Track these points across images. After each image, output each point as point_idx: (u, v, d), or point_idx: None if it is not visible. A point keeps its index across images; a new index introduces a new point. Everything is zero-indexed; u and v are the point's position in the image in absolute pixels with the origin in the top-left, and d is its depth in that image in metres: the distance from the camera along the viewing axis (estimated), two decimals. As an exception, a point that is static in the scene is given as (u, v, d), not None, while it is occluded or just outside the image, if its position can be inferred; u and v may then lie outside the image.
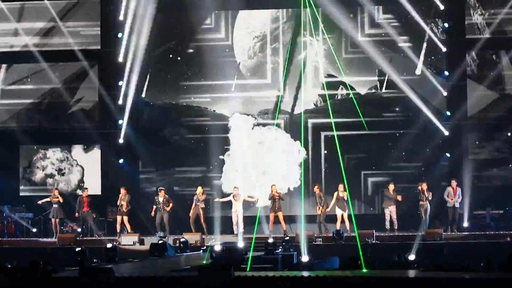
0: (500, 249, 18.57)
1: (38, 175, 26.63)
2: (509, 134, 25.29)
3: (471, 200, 23.66)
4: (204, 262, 17.05)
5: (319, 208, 23.21)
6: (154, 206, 23.38)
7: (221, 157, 26.09)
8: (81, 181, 24.64)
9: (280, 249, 18.71)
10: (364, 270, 14.69)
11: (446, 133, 25.19)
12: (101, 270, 13.64)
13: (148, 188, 26.16)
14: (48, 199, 23.88)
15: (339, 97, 26.09)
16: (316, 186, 23.62)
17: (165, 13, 26.37)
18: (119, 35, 26.12)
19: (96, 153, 26.55)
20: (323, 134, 26.11)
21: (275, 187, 23.49)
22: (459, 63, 25.35)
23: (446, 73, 25.52)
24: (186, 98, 26.58)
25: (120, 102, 26.10)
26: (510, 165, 25.38)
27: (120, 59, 26.09)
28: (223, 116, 26.32)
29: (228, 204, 23.96)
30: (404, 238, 21.32)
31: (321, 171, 25.99)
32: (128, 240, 22.17)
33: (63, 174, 26.51)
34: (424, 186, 22.85)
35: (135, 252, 20.91)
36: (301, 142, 25.82)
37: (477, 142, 25.39)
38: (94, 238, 23.22)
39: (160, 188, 23.86)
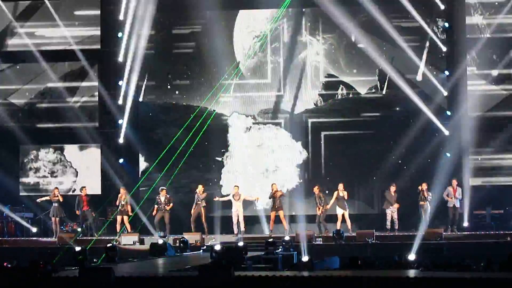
0: (500, 249, 18.57)
1: (31, 177, 26.61)
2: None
3: (471, 200, 23.66)
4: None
5: (319, 208, 23.21)
6: (156, 206, 23.39)
7: (218, 158, 26.08)
8: (75, 182, 24.50)
9: (280, 249, 18.71)
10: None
11: (447, 132, 25.19)
12: (101, 270, 13.63)
13: (148, 188, 26.13)
14: (47, 198, 23.90)
15: (339, 96, 26.08)
16: (315, 187, 23.60)
17: (165, 13, 26.37)
18: (119, 34, 26.12)
19: (92, 152, 26.51)
20: (323, 133, 26.11)
21: (275, 186, 23.52)
22: (459, 63, 25.34)
23: (447, 72, 25.52)
24: (186, 98, 26.56)
25: (120, 101, 26.10)
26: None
27: (120, 59, 26.10)
28: (223, 116, 26.31)
29: (228, 204, 23.97)
30: (404, 238, 21.32)
31: (321, 171, 25.98)
32: (128, 240, 22.17)
33: (55, 177, 26.49)
34: (424, 186, 22.87)
35: (135, 252, 20.90)
36: (302, 142, 25.84)
37: (477, 142, 25.36)
38: (94, 237, 23.23)
39: (162, 187, 23.88)
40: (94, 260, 17.69)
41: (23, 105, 26.84)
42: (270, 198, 23.41)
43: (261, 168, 25.96)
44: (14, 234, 24.68)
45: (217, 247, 17.34)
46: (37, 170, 26.66)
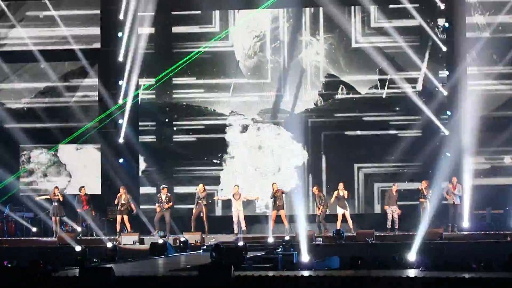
0: (500, 249, 18.55)
1: (24, 178, 26.61)
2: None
3: (471, 200, 23.64)
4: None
5: (318, 208, 23.20)
6: (157, 204, 23.40)
7: (215, 161, 26.07)
8: (69, 182, 24.42)
9: (280, 249, 18.70)
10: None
11: (447, 132, 25.18)
12: (101, 269, 13.64)
13: (147, 188, 26.12)
14: (47, 196, 23.92)
15: (339, 96, 26.07)
16: (315, 187, 23.57)
17: (165, 13, 26.36)
18: (119, 34, 26.12)
19: (89, 151, 26.50)
20: (323, 133, 26.10)
21: (276, 185, 23.54)
22: (459, 63, 25.33)
23: (447, 72, 25.51)
24: (186, 98, 26.56)
25: (120, 101, 26.09)
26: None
27: (120, 59, 26.09)
28: (223, 116, 26.31)
29: (229, 204, 23.98)
30: (404, 238, 21.31)
31: (321, 171, 25.97)
32: (128, 240, 22.17)
33: (46, 176, 26.47)
34: (424, 184, 22.85)
35: (135, 252, 20.90)
36: (302, 142, 25.83)
37: (477, 142, 25.35)
38: (94, 237, 23.24)
39: (163, 186, 23.88)
40: (94, 260, 17.68)
41: (23, 104, 26.83)
42: (271, 198, 23.41)
43: (261, 168, 25.96)
44: (14, 234, 24.67)
45: (214, 244, 17.34)
46: (31, 172, 26.65)
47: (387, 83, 25.75)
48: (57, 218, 23.50)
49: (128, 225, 23.40)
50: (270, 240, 20.09)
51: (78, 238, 22.42)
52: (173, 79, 26.51)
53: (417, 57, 25.41)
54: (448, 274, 12.98)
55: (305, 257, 16.63)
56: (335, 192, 23.16)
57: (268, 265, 16.37)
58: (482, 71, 25.49)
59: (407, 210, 23.53)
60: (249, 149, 26.12)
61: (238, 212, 23.35)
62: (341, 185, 23.13)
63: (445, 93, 25.40)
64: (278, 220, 23.39)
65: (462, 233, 22.53)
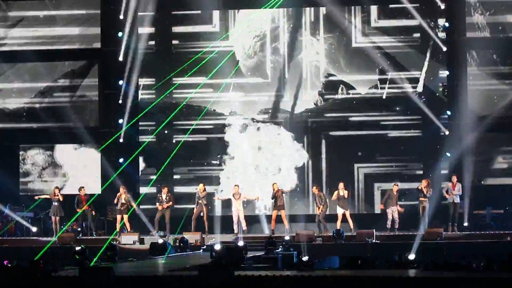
0: (500, 249, 18.55)
1: (22, 178, 26.63)
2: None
3: (471, 200, 23.64)
4: None
5: (318, 207, 23.19)
6: (158, 203, 23.40)
7: (214, 162, 26.06)
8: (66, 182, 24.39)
9: (280, 249, 18.70)
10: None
11: (447, 132, 25.18)
12: (101, 269, 13.64)
13: (147, 187, 26.11)
14: (47, 196, 23.92)
15: (339, 96, 26.07)
16: (314, 187, 23.54)
17: (165, 12, 26.36)
18: (119, 34, 26.11)
19: (87, 151, 26.50)
20: (323, 133, 26.09)
21: (276, 185, 23.53)
22: (459, 62, 25.33)
23: (447, 72, 25.51)
24: (186, 98, 26.55)
25: (120, 101, 26.09)
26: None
27: (121, 58, 26.09)
28: (223, 116, 26.31)
29: (229, 203, 23.98)
30: (404, 238, 21.31)
31: (321, 171, 25.97)
32: (128, 239, 22.17)
33: (45, 181, 26.48)
34: (424, 183, 22.82)
35: (135, 251, 20.89)
36: (302, 142, 25.83)
37: (477, 142, 25.36)
38: (94, 237, 23.25)
39: (164, 185, 23.85)
40: (94, 259, 17.68)
41: (23, 104, 26.83)
42: (272, 198, 23.40)
43: (261, 168, 25.95)
44: (14, 233, 24.67)
45: (217, 247, 17.37)
46: (27, 173, 26.67)
47: (387, 83, 25.74)
48: (57, 218, 23.50)
49: (128, 225, 23.40)
50: (270, 240, 20.05)
51: (78, 238, 22.41)
52: (173, 79, 26.51)
53: (417, 57, 25.39)
54: (448, 274, 12.99)
55: (305, 257, 16.62)
56: (336, 192, 23.14)
57: (268, 265, 16.38)
58: (482, 71, 25.48)
59: (407, 210, 23.52)
60: (249, 149, 26.10)
61: (238, 212, 23.34)
62: (341, 185, 23.11)
63: (445, 92, 25.38)
64: (278, 220, 23.38)
65: (462, 233, 22.52)
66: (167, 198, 23.41)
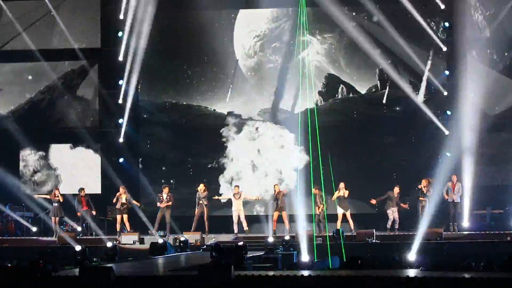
0: (500, 249, 18.56)
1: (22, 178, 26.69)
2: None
3: (471, 200, 23.65)
4: None
5: (318, 207, 23.19)
6: (158, 203, 23.40)
7: (215, 161, 26.08)
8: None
9: (280, 249, 18.71)
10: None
11: (447, 132, 25.19)
12: (101, 269, 13.64)
13: (147, 187, 26.12)
14: (47, 196, 23.92)
15: (339, 96, 26.08)
16: (314, 188, 23.53)
17: (165, 12, 26.35)
18: (119, 34, 26.12)
19: (87, 151, 26.52)
20: (323, 133, 26.05)
21: (277, 186, 23.57)
22: (459, 63, 25.34)
23: (447, 72, 25.52)
24: (186, 97, 26.57)
25: (120, 101, 26.09)
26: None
27: (121, 58, 26.09)
28: (223, 115, 26.32)
29: (229, 203, 23.98)
30: (404, 238, 21.31)
31: (321, 171, 25.92)
32: (128, 239, 22.18)
33: (37, 184, 26.50)
34: (424, 182, 22.82)
35: (135, 251, 20.90)
36: (302, 142, 25.82)
37: (477, 141, 25.37)
38: (94, 237, 23.26)
39: (165, 185, 23.85)
40: (94, 259, 17.68)
41: (23, 104, 26.84)
42: (274, 200, 23.40)
43: (261, 167, 25.95)
44: (14, 233, 24.68)
45: (213, 243, 17.35)
46: (22, 174, 26.73)
47: (387, 83, 25.75)
48: (57, 219, 23.51)
49: (127, 224, 23.41)
50: (270, 240, 20.06)
51: (78, 238, 22.43)
52: (173, 78, 26.51)
53: (417, 57, 25.39)
54: (448, 274, 12.98)
55: (305, 257, 16.63)
56: (336, 192, 23.13)
57: (268, 265, 16.38)
58: (482, 71, 25.47)
59: (407, 210, 23.52)
60: (248, 149, 26.10)
61: (238, 211, 23.35)
62: (342, 185, 23.11)
63: (445, 93, 25.39)
64: (279, 220, 23.38)
65: (462, 233, 22.53)
66: (168, 197, 23.42)
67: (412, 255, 15.76)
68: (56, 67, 26.67)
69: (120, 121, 26.06)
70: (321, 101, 26.14)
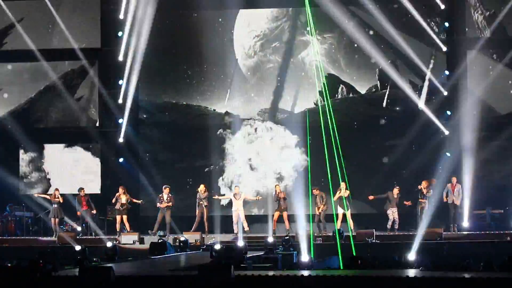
0: (500, 249, 18.56)
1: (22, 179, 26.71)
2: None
3: (471, 200, 23.64)
4: None
5: (319, 208, 23.18)
6: (158, 204, 23.39)
7: (214, 161, 26.06)
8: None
9: (280, 249, 18.70)
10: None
11: (447, 132, 25.18)
12: (101, 269, 13.64)
13: (147, 187, 26.11)
14: (46, 196, 23.93)
15: (339, 96, 26.07)
16: (314, 189, 23.50)
17: (165, 12, 26.35)
18: (119, 33, 26.11)
19: (87, 151, 26.53)
20: (323, 133, 26.06)
21: (278, 187, 23.58)
22: (459, 63, 25.34)
23: (447, 72, 25.51)
24: (186, 97, 26.57)
25: (120, 101, 26.09)
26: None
27: (120, 58, 26.08)
28: (222, 115, 26.31)
29: (229, 203, 23.98)
30: (404, 238, 21.31)
31: (321, 171, 25.91)
32: (128, 239, 22.17)
33: (31, 186, 26.52)
34: (424, 184, 22.82)
35: (135, 251, 20.89)
36: (302, 142, 25.81)
37: (477, 142, 25.37)
38: (94, 237, 23.26)
39: (166, 185, 23.85)
40: (94, 259, 17.68)
41: (23, 104, 26.83)
42: (276, 200, 23.40)
43: (260, 168, 25.94)
44: (14, 233, 24.68)
45: (217, 246, 17.37)
46: (22, 173, 26.74)
47: (387, 83, 25.74)
48: (57, 220, 23.51)
49: (127, 224, 23.40)
50: (270, 240, 20.06)
51: (78, 238, 22.43)
52: (173, 78, 26.51)
53: (417, 57, 25.38)
54: (448, 274, 12.98)
55: (305, 257, 16.62)
56: (338, 192, 23.11)
57: (268, 265, 16.38)
58: (483, 71, 25.47)
59: (407, 210, 23.52)
60: (248, 149, 26.10)
61: (238, 212, 23.34)
62: (343, 185, 23.10)
63: (445, 93, 25.38)
64: (279, 220, 23.38)
65: (462, 233, 22.53)
66: (168, 198, 23.41)
67: (412, 255, 15.74)
68: (56, 67, 26.66)
69: (120, 121, 26.05)
70: (321, 101, 26.13)
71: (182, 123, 26.54)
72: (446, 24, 25.56)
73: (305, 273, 13.21)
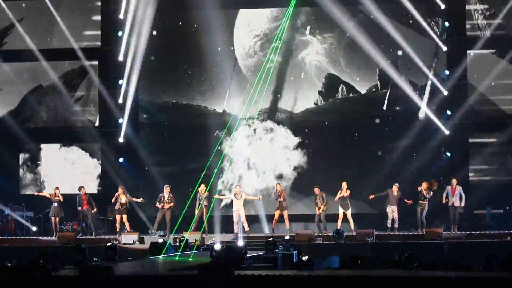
0: (500, 249, 18.56)
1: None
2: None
3: (471, 200, 23.64)
4: None
5: (319, 208, 23.17)
6: (158, 203, 23.37)
7: (214, 161, 26.06)
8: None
9: (280, 248, 18.71)
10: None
11: (447, 132, 25.18)
12: (101, 269, 13.64)
13: (147, 187, 26.11)
14: (46, 195, 23.94)
15: (339, 96, 26.08)
16: (316, 188, 23.51)
17: (165, 12, 26.35)
18: (120, 33, 26.11)
19: (87, 151, 26.53)
20: (323, 133, 26.08)
21: (279, 185, 23.59)
22: (459, 62, 25.34)
23: (447, 72, 25.51)
24: (186, 97, 26.56)
25: (120, 100, 26.09)
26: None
27: (121, 58, 26.08)
28: (222, 115, 26.30)
29: (229, 203, 23.97)
30: (404, 238, 21.30)
31: (321, 171, 25.95)
32: (128, 239, 22.17)
33: (34, 183, 26.50)
34: (424, 185, 22.81)
35: (135, 251, 20.89)
36: (302, 142, 25.82)
37: (477, 141, 25.38)
38: (94, 237, 23.27)
39: (167, 185, 23.83)
40: (94, 259, 17.68)
41: (23, 104, 26.83)
42: (276, 199, 23.40)
43: (261, 167, 25.93)
44: (14, 233, 24.68)
45: (217, 246, 17.37)
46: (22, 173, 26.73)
47: (387, 83, 25.74)
48: (57, 218, 23.51)
49: (127, 224, 23.40)
50: (270, 239, 20.07)
51: (78, 237, 22.43)
52: (173, 78, 26.51)
53: (417, 57, 25.38)
54: (448, 274, 12.98)
55: (305, 257, 16.62)
56: (339, 192, 23.10)
57: (268, 265, 16.38)
58: (483, 71, 25.47)
59: (407, 210, 23.53)
60: (248, 149, 26.09)
61: (238, 211, 23.33)
62: (344, 184, 23.09)
63: (445, 93, 25.38)
64: (279, 220, 23.38)
65: (462, 233, 22.53)
66: (169, 198, 23.40)
67: (412, 254, 15.73)
68: (56, 67, 26.66)
69: (120, 121, 26.05)
70: (321, 101, 26.14)
71: (182, 123, 26.55)
72: (446, 24, 25.56)
73: (305, 273, 13.20)
